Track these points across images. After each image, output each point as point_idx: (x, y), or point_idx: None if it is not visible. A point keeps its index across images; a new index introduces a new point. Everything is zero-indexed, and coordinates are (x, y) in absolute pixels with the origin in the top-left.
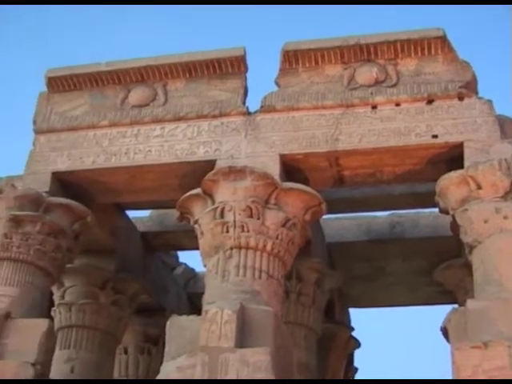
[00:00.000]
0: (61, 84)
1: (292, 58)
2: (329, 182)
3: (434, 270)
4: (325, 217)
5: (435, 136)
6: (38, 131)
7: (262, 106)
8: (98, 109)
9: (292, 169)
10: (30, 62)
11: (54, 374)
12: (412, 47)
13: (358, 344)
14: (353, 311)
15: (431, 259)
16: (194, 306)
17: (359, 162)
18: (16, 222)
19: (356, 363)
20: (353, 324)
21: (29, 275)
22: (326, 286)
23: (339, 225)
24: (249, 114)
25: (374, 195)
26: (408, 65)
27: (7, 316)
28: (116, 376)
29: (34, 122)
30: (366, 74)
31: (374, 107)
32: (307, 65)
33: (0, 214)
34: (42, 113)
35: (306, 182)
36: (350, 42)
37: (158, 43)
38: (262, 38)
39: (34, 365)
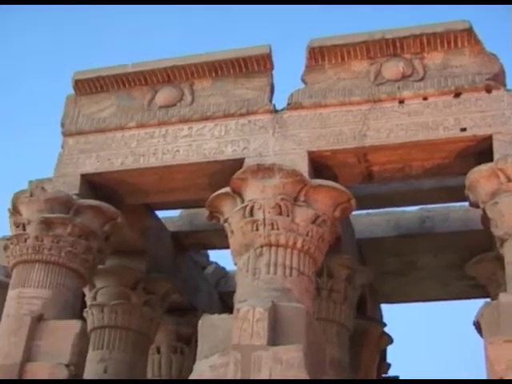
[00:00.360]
0: (88, 86)
1: (318, 55)
2: (357, 178)
3: (465, 264)
4: (354, 213)
5: (464, 129)
6: (67, 134)
7: (288, 104)
8: (125, 110)
9: (320, 166)
10: (57, 65)
11: (87, 375)
12: (438, 40)
13: (390, 340)
14: (384, 307)
15: (462, 253)
16: (226, 305)
17: (387, 158)
18: (47, 224)
19: (389, 359)
20: (385, 320)
21: (61, 277)
22: (357, 282)
23: (369, 221)
24: (276, 111)
25: (402, 190)
26: (434, 58)
27: (40, 318)
28: (149, 376)
29: (62, 125)
30: (393, 68)
31: (402, 102)
32: (333, 61)
33: (31, 216)
34: (69, 115)
35: (334, 178)
36: (376, 37)
37: (183, 43)
38: (288, 35)
39: (67, 366)
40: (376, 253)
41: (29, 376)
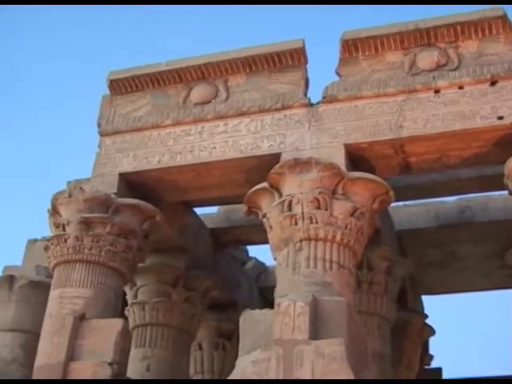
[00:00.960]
0: (123, 86)
1: (351, 47)
2: (395, 169)
3: (505, 253)
4: (393, 204)
5: (501, 117)
6: (103, 134)
7: (323, 97)
8: (160, 108)
9: (357, 158)
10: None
11: (130, 373)
12: (472, 29)
13: (432, 331)
14: (425, 298)
15: (503, 242)
16: (266, 300)
17: (425, 148)
18: (86, 224)
19: (431, 351)
20: (426, 311)
21: (101, 276)
22: (398, 274)
23: (407, 212)
24: (311, 105)
25: (441, 180)
26: (469, 47)
27: (82, 317)
28: (192, 372)
29: (99, 125)
30: (427, 58)
31: (437, 91)
32: (367, 53)
33: (70, 217)
34: (105, 115)
35: (372, 170)
36: (410, 28)
37: (216, 40)
38: (320, 28)
39: (110, 364)
40: (416, 244)
41: (72, 375)
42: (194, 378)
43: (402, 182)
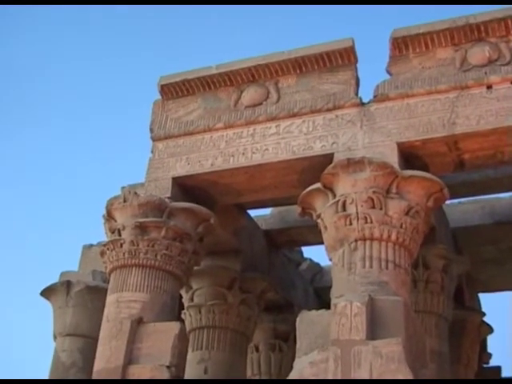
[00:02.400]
0: (174, 90)
1: (402, 45)
2: (449, 166)
3: None
4: (447, 202)
5: None
6: (156, 138)
7: (375, 96)
8: (212, 112)
9: (410, 156)
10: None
11: (187, 376)
12: None
13: (490, 329)
14: (483, 296)
15: None
16: (322, 301)
17: (479, 144)
18: (141, 228)
19: (490, 349)
20: (484, 309)
21: (157, 280)
22: (454, 272)
23: (462, 209)
24: (362, 104)
25: (495, 177)
26: None
27: (139, 321)
28: (249, 374)
29: (151, 130)
30: (479, 53)
31: (490, 87)
32: (417, 50)
33: (125, 222)
34: (157, 120)
35: (425, 168)
36: (459, 23)
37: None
38: (370, 27)
39: (168, 367)
40: (472, 241)
41: (131, 378)
42: (252, 379)
43: (456, 179)
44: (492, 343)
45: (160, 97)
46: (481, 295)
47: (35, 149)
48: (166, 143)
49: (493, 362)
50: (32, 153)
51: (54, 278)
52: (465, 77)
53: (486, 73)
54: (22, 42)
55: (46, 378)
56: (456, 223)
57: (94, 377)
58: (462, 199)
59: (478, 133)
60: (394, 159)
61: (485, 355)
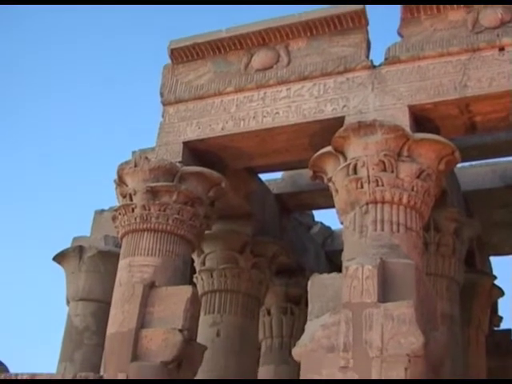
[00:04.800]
0: (184, 54)
1: (413, 7)
2: (460, 129)
3: None
4: (459, 165)
5: None
6: (166, 103)
7: (386, 59)
8: (222, 76)
9: (422, 119)
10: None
11: (200, 339)
12: None
13: (501, 292)
14: (494, 259)
15: None
16: (333, 264)
17: (491, 107)
18: (153, 193)
19: (500, 312)
20: (495, 272)
21: (169, 244)
22: (465, 235)
23: (474, 172)
24: (373, 67)
25: (507, 139)
26: None
27: (152, 285)
28: (261, 337)
29: (161, 95)
30: (491, 15)
31: (502, 49)
32: (429, 12)
33: (137, 186)
34: (167, 85)
35: (436, 131)
36: None
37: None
38: None
39: (181, 331)
40: (483, 204)
41: (144, 342)
42: (264, 342)
43: (467, 142)
44: (503, 306)
45: (170, 61)
46: (492, 258)
47: (46, 116)
48: (176, 107)
49: (503, 325)
50: (43, 120)
51: (66, 244)
52: (477, 39)
53: (498, 35)
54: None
55: (60, 342)
56: (467, 186)
57: (108, 340)
58: (474, 162)
59: (490, 95)
60: (405, 122)
61: (495, 318)
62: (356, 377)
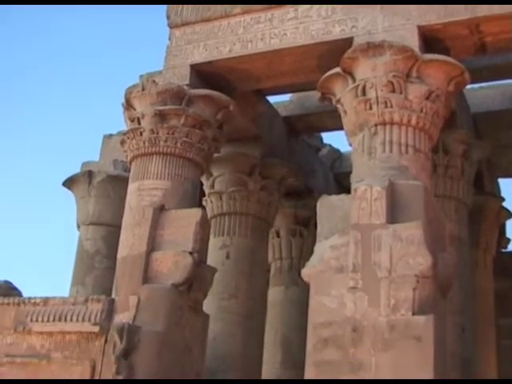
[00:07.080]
0: None
1: None
2: (470, 50)
3: None
4: (468, 87)
5: None
6: (173, 25)
7: None
8: None
9: (431, 39)
10: None
11: (210, 261)
12: None
13: (509, 214)
14: (502, 181)
15: None
16: (342, 186)
17: (501, 28)
18: (161, 116)
19: (508, 234)
20: (503, 194)
21: (178, 167)
22: (474, 157)
23: (484, 94)
24: None
25: None
26: None
27: (161, 208)
28: (270, 259)
29: (168, 17)
30: None
31: None
32: None
33: (144, 110)
34: (174, 7)
35: (446, 52)
36: None
37: None
38: None
39: (191, 253)
40: (492, 126)
41: (154, 265)
42: (273, 264)
43: (477, 63)
44: (510, 228)
45: None
46: (500, 180)
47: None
48: (183, 30)
49: (510, 247)
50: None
51: (75, 169)
52: None
53: None
54: None
55: (72, 267)
56: (477, 108)
57: (119, 264)
58: (483, 84)
59: (501, 15)
60: (414, 43)
61: (503, 240)
62: (365, 297)
